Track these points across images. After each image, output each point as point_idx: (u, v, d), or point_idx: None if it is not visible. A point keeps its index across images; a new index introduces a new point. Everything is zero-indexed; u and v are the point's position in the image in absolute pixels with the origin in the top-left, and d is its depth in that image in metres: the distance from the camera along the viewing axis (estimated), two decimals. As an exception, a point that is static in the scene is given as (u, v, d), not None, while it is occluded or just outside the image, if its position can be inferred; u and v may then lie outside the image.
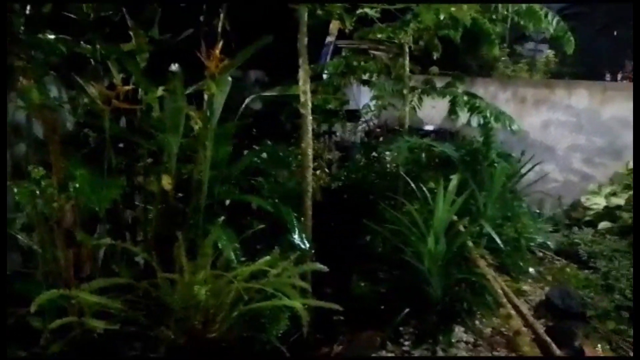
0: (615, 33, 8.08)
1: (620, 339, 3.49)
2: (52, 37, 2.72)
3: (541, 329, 3.33)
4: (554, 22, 3.76)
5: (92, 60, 2.98)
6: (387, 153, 4.37)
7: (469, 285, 3.44)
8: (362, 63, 4.84)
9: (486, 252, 3.60)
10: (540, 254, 4.93)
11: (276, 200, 3.36)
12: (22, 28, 2.50)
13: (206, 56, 2.94)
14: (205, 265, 2.49)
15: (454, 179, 3.57)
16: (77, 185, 2.46)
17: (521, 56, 7.94)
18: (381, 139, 5.50)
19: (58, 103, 2.89)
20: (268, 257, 2.64)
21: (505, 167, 3.91)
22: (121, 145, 3.12)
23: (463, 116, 3.96)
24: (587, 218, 5.64)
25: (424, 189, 3.63)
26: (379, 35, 4.14)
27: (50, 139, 2.74)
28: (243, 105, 3.60)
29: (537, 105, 6.51)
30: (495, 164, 3.87)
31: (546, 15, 3.81)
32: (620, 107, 6.07)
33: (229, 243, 2.59)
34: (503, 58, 7.33)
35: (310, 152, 3.26)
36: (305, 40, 3.16)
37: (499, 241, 3.48)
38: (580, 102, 6.32)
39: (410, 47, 4.20)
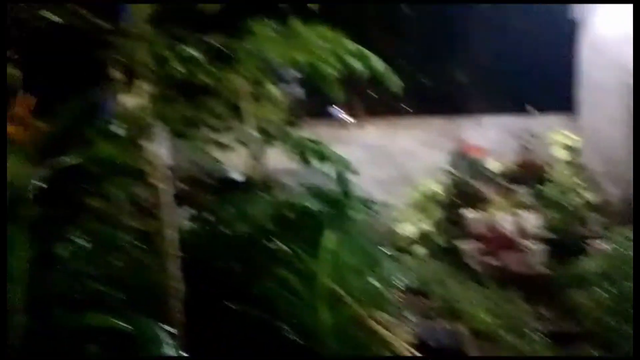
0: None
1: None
2: None
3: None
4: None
5: None
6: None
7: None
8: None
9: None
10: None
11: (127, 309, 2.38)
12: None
13: None
14: None
15: (329, 236, 3.19)
16: None
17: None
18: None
19: None
20: None
21: (365, 217, 3.76)
22: None
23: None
24: (401, 244, 6.02)
25: (299, 251, 3.15)
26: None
27: None
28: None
29: (334, 144, 6.69)
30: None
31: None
32: (404, 140, 6.78)
33: None
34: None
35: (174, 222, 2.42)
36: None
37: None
38: (371, 138, 6.83)
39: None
